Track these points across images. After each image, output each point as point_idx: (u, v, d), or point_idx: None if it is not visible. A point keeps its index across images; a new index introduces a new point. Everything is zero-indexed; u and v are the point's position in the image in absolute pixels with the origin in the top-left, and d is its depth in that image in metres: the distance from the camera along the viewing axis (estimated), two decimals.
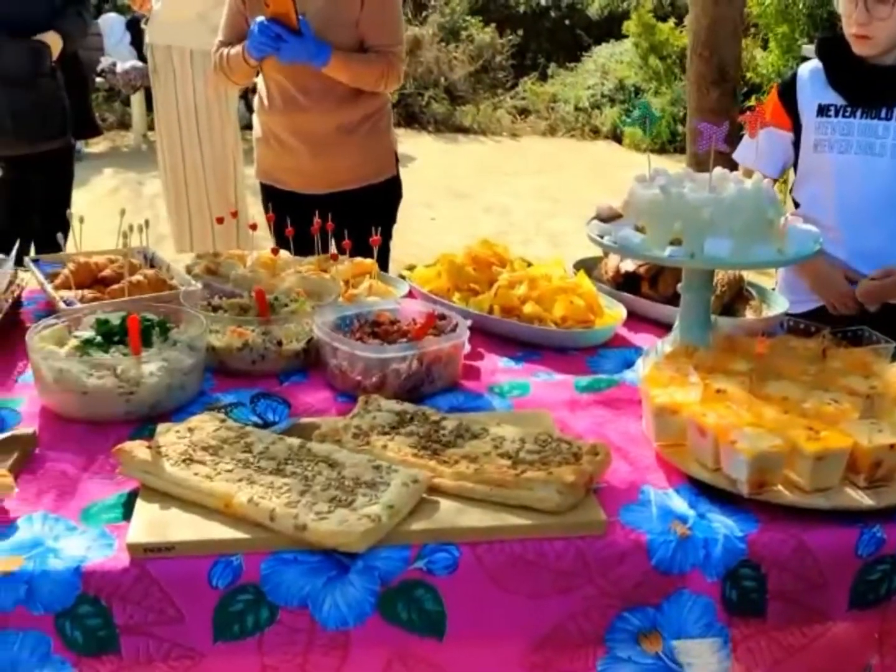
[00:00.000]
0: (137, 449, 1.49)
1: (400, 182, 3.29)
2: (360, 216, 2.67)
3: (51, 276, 2.19)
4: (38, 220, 5.02)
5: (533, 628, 1.40)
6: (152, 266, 2.26)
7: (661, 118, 2.18)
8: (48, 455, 1.60)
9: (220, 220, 2.37)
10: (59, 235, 2.11)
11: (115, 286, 2.09)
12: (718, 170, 1.86)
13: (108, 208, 2.15)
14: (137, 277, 2.10)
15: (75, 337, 1.79)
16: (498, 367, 1.99)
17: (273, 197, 3.08)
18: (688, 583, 1.42)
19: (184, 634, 1.33)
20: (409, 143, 10.20)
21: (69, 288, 2.10)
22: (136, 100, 9.43)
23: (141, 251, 2.31)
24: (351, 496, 1.40)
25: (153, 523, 1.38)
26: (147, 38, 4.99)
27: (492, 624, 1.40)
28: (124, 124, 9.92)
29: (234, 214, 2.35)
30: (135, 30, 9.52)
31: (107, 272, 2.19)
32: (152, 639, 1.33)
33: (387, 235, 3.15)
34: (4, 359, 1.96)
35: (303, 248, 2.39)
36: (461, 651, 1.39)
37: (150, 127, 10.07)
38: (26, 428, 1.66)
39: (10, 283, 2.06)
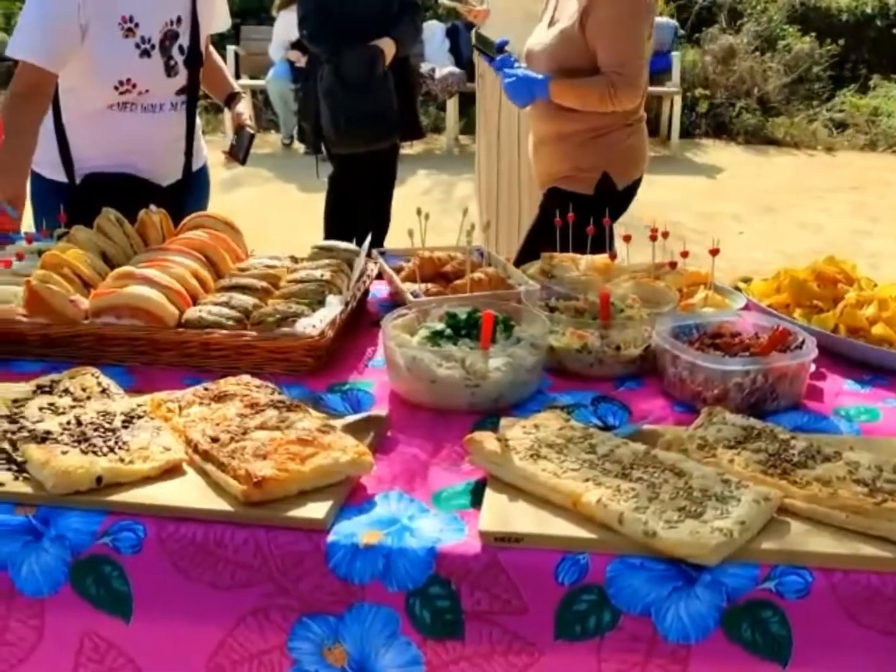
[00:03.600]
0: (487, 440, 1.53)
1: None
2: None
3: (396, 269, 2.30)
4: (362, 214, 5.31)
5: (886, 669, 1.32)
6: (488, 264, 2.32)
7: None
8: (399, 438, 1.68)
9: (559, 223, 2.39)
10: (410, 230, 2.21)
11: (458, 282, 2.16)
12: None
13: (422, 207, 2.23)
14: (479, 275, 2.16)
15: (426, 328, 1.87)
16: (843, 390, 1.89)
17: None
18: None
19: (525, 627, 1.35)
20: (717, 154, 9.97)
21: (414, 281, 2.20)
22: (451, 105, 9.77)
23: (478, 249, 2.38)
24: (700, 508, 1.37)
25: (502, 513, 1.41)
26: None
27: (840, 658, 1.32)
28: (437, 128, 10.29)
29: (571, 218, 2.36)
30: (454, 37, 9.88)
31: (448, 268, 2.27)
32: (496, 628, 1.36)
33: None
34: (355, 344, 2.08)
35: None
36: None
37: (463, 131, 10.44)
38: (380, 410, 1.75)
39: (362, 273, 2.18)
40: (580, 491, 1.41)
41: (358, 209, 5.30)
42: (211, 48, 3.09)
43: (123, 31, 2.65)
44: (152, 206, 2.40)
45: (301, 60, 8.16)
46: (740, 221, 7.36)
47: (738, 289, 2.27)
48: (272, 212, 7.34)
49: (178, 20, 2.73)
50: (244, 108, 2.99)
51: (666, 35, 10.50)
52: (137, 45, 2.67)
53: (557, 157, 3.25)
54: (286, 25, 9.17)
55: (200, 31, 2.79)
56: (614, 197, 3.15)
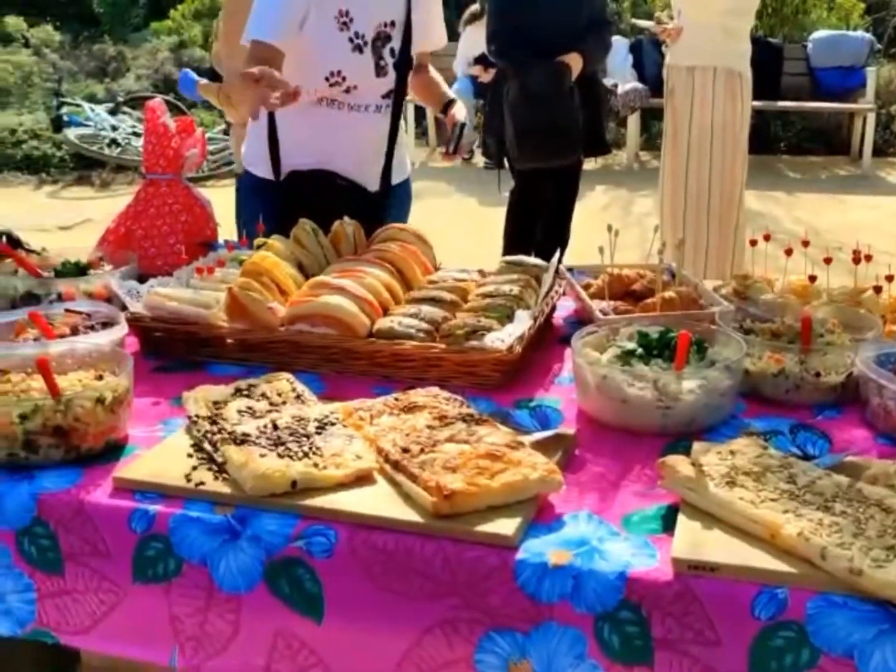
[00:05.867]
0: (681, 464, 1.49)
1: None
2: None
3: (583, 286, 2.28)
4: (541, 229, 5.30)
5: None
6: (679, 284, 2.27)
7: None
8: (586, 457, 1.66)
9: (753, 243, 2.32)
10: (600, 247, 2.18)
11: (648, 301, 2.12)
12: None
13: (600, 223, 2.20)
14: (670, 294, 2.12)
15: (617, 346, 1.84)
16: None
17: None
18: None
19: (718, 660, 1.30)
20: None
21: (602, 298, 2.17)
22: (633, 120, 9.69)
23: (667, 268, 2.34)
24: None
25: (696, 541, 1.37)
26: (668, 59, 5.07)
27: None
28: (617, 143, 10.21)
29: (767, 237, 2.29)
30: (637, 52, 9.79)
31: (637, 286, 2.24)
32: (686, 658, 1.31)
33: None
34: (542, 360, 2.07)
35: None
36: None
37: (643, 147, 10.34)
38: (568, 428, 1.73)
39: (550, 289, 2.17)
40: (780, 522, 1.35)
41: (538, 224, 5.30)
42: (429, 64, 3.13)
43: (339, 24, 2.73)
44: (346, 218, 2.46)
45: (484, 75, 8.25)
46: None
47: None
48: (451, 225, 7.43)
49: (392, 24, 2.79)
50: (458, 108, 2.96)
51: (861, 50, 10.12)
52: (351, 40, 2.75)
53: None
54: (471, 41, 9.32)
55: (413, 39, 2.84)
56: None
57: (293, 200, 2.80)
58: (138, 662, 1.65)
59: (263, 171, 2.94)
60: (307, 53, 2.73)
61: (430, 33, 2.96)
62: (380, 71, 2.81)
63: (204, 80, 4.03)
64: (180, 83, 4.24)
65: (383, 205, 2.96)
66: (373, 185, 2.95)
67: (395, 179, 3.04)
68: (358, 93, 2.79)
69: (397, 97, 2.88)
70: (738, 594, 1.30)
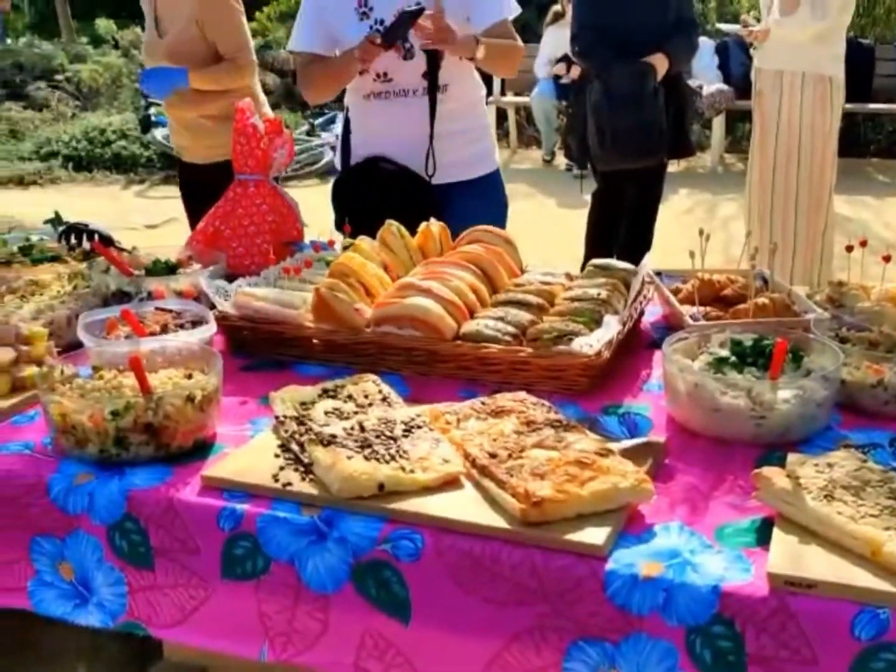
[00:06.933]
0: (777, 476, 1.45)
1: None
2: None
3: (672, 291, 2.24)
4: (623, 232, 5.24)
5: None
6: (771, 290, 2.22)
7: None
8: (677, 467, 1.62)
9: (850, 249, 2.25)
10: (691, 251, 2.14)
11: (740, 307, 2.08)
12: None
13: (683, 226, 2.16)
14: (762, 300, 2.07)
15: (709, 354, 1.80)
16: None
17: None
18: None
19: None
20: None
21: (691, 303, 2.13)
22: (717, 122, 9.54)
23: (759, 274, 2.29)
24: None
25: (793, 556, 1.33)
26: (756, 62, 4.98)
27: None
28: (701, 146, 10.06)
29: (864, 243, 2.22)
30: (723, 54, 9.64)
31: (728, 291, 2.19)
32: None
33: None
34: (629, 366, 2.04)
35: None
36: None
37: (728, 150, 10.17)
38: (658, 436, 1.70)
39: (638, 293, 2.14)
40: (881, 539, 1.31)
41: (620, 227, 5.24)
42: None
43: (359, 15, 2.87)
44: (433, 220, 2.45)
45: (568, 74, 8.19)
46: None
47: None
48: (531, 227, 7.37)
49: (418, 5, 2.77)
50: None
51: None
52: (371, 27, 2.85)
53: (203, 134, 3.97)
54: (553, 42, 9.24)
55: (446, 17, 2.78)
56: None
57: (354, 190, 3.01)
58: (221, 659, 1.67)
59: (342, 168, 3.14)
60: (341, 50, 2.93)
61: (480, 5, 2.90)
62: (406, 53, 2.86)
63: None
64: (148, 83, 4.03)
65: (444, 192, 2.97)
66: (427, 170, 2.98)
67: (478, 172, 3.08)
68: (396, 80, 2.87)
69: (431, 77, 2.88)
70: (836, 613, 1.26)
